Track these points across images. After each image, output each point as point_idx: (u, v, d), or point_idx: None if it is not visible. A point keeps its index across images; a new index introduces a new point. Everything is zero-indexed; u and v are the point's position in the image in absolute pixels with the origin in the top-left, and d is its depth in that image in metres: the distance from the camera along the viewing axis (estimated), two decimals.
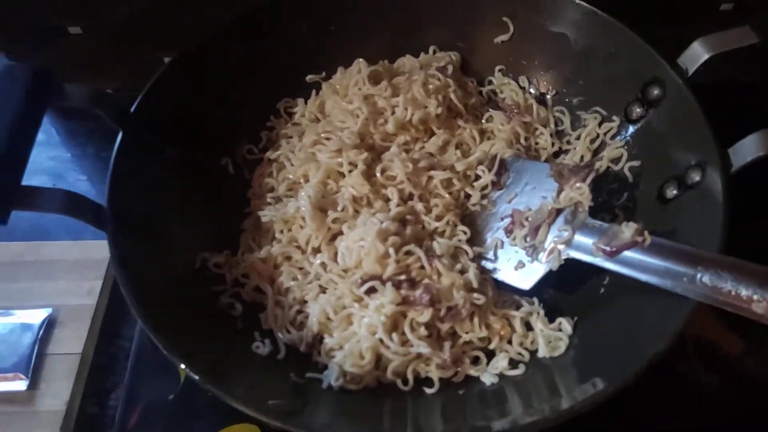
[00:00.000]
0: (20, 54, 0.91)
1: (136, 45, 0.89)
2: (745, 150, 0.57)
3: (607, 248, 0.57)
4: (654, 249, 0.55)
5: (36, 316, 0.73)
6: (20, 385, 0.68)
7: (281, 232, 0.69)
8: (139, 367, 0.70)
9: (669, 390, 0.70)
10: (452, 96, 0.76)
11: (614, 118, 0.73)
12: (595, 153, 0.74)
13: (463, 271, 0.63)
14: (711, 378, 0.70)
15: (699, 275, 0.50)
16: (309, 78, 0.81)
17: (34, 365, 0.70)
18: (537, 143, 0.77)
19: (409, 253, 0.63)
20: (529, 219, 0.65)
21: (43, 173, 0.89)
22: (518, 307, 0.64)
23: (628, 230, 0.57)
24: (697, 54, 0.64)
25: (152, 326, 0.53)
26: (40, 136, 0.92)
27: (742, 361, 0.72)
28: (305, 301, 0.65)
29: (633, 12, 0.70)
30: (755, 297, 0.47)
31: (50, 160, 0.92)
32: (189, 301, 0.62)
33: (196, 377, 0.51)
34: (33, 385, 0.69)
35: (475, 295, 0.61)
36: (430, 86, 0.75)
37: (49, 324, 0.73)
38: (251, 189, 0.75)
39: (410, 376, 0.60)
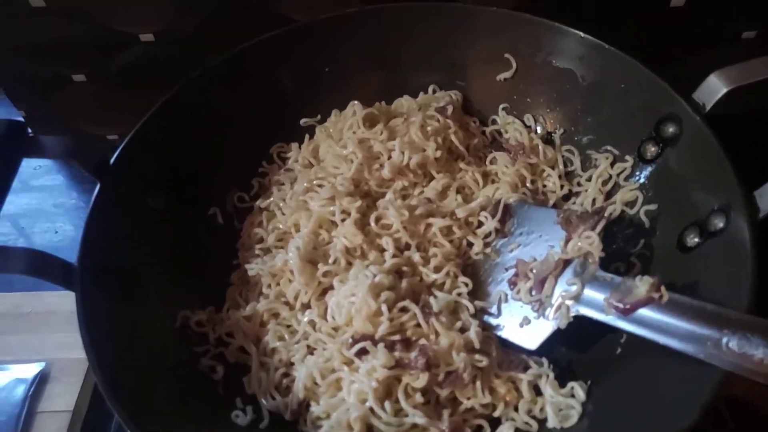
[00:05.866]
0: (30, 102, 0.91)
1: (138, 91, 0.87)
2: None
3: (620, 305, 0.51)
4: (672, 307, 0.49)
5: (29, 371, 0.72)
6: None
7: (269, 286, 0.65)
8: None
9: None
10: (453, 138, 0.72)
11: (627, 157, 0.68)
12: (608, 196, 0.69)
13: (463, 330, 0.58)
14: None
15: (725, 339, 0.44)
16: (303, 122, 0.78)
17: (23, 425, 0.68)
18: (545, 186, 0.72)
19: (404, 309, 0.59)
20: (534, 270, 0.59)
21: (45, 219, 0.90)
22: (526, 368, 0.58)
23: (642, 285, 0.51)
24: (714, 88, 0.58)
25: (126, 415, 0.48)
26: (48, 181, 0.94)
27: None
28: (292, 363, 0.61)
29: (644, 44, 0.66)
30: None
31: (55, 207, 0.92)
32: (166, 368, 0.58)
33: None
34: None
35: (477, 356, 0.56)
36: (429, 128, 0.71)
37: (42, 379, 0.72)
38: (240, 240, 0.72)
39: None
